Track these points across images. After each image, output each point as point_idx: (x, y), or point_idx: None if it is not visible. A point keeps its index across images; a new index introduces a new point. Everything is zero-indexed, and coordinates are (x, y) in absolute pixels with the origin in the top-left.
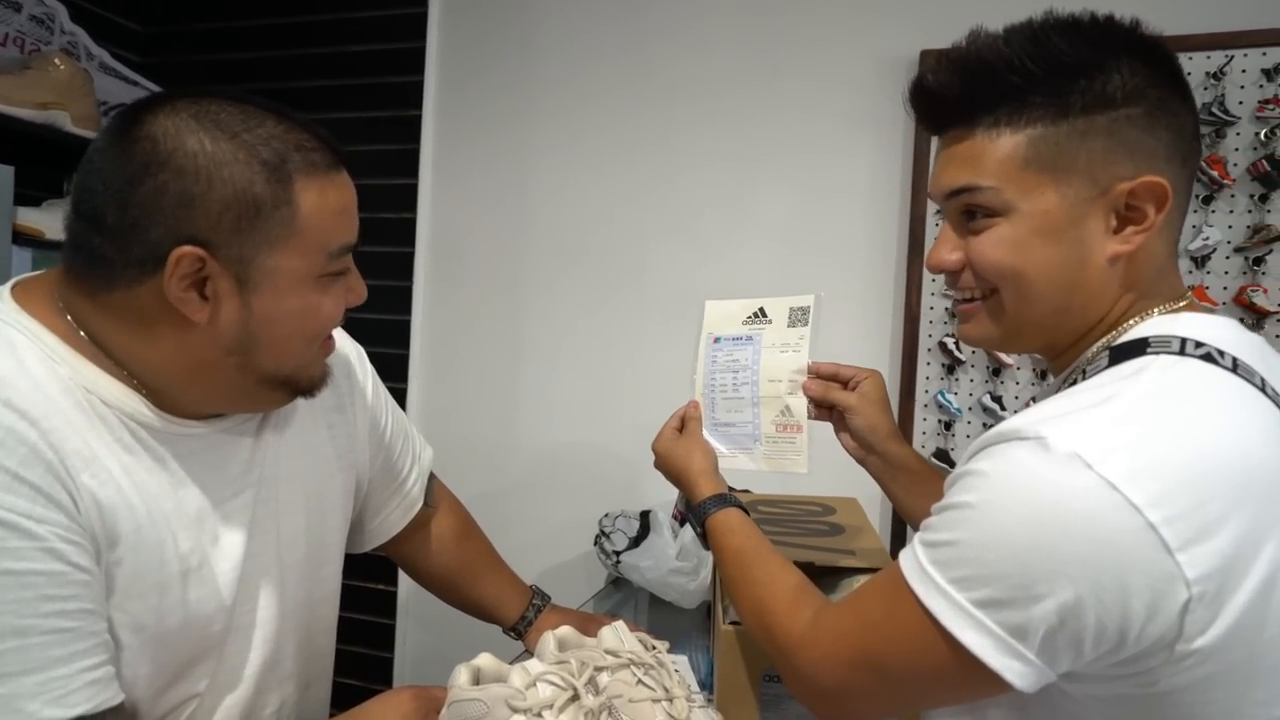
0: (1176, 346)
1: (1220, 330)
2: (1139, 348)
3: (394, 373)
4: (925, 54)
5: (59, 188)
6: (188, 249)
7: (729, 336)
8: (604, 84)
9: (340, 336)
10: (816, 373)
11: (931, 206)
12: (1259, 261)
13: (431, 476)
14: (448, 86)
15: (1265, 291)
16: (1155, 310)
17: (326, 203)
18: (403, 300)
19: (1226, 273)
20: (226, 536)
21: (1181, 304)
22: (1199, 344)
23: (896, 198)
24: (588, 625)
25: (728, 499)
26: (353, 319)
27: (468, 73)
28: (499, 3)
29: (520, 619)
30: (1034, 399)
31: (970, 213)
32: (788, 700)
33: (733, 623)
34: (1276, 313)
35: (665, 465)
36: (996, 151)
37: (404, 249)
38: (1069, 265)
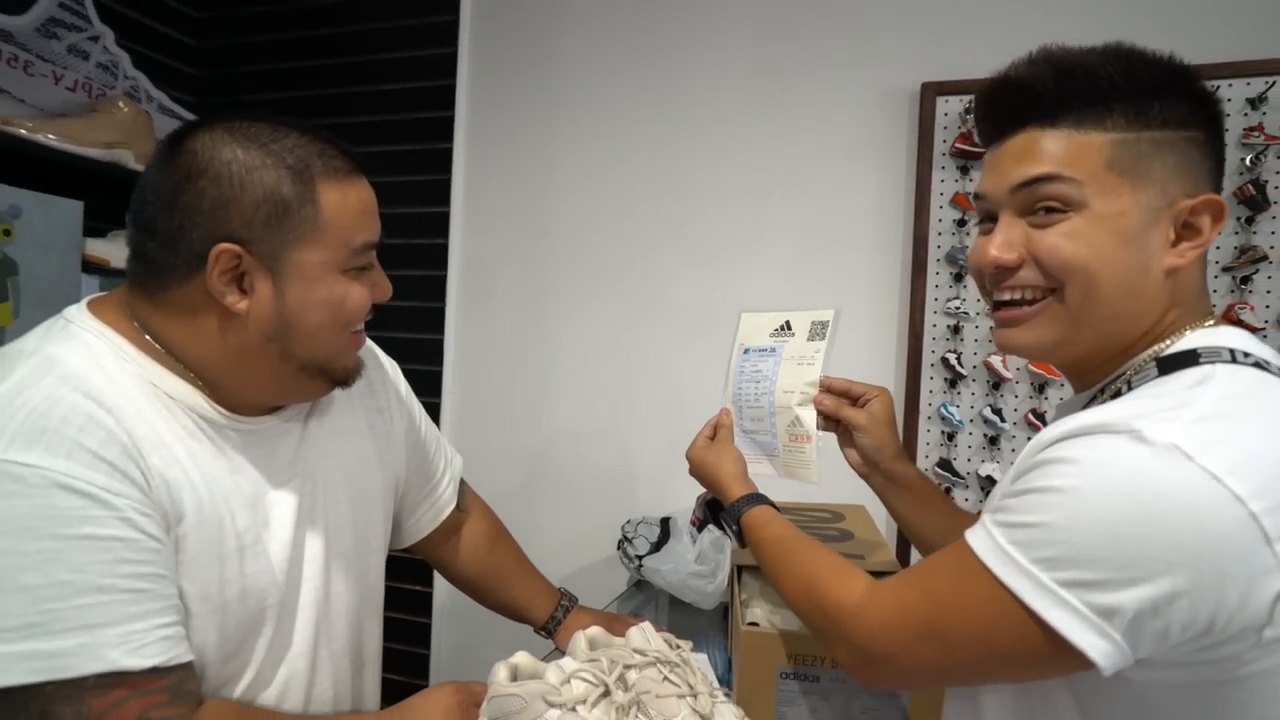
0: (1228, 356)
1: (1255, 344)
2: (1190, 359)
3: (428, 388)
4: (925, 86)
5: (122, 220)
6: (225, 246)
7: (756, 348)
8: (623, 116)
9: (375, 349)
10: (829, 388)
11: (936, 228)
12: (1246, 280)
13: (463, 483)
14: (476, 121)
15: (1252, 309)
16: (1192, 326)
17: (347, 202)
18: (436, 320)
19: (1215, 291)
20: (277, 519)
21: (1213, 320)
22: (1246, 354)
23: (900, 221)
24: (614, 625)
25: (759, 497)
26: (389, 338)
27: (494, 109)
28: (524, 46)
29: (550, 619)
30: (1033, 412)
31: (1037, 209)
32: (803, 696)
33: (750, 624)
34: (1263, 329)
35: (699, 471)
36: (1083, 147)
37: (437, 272)
38: (1133, 271)
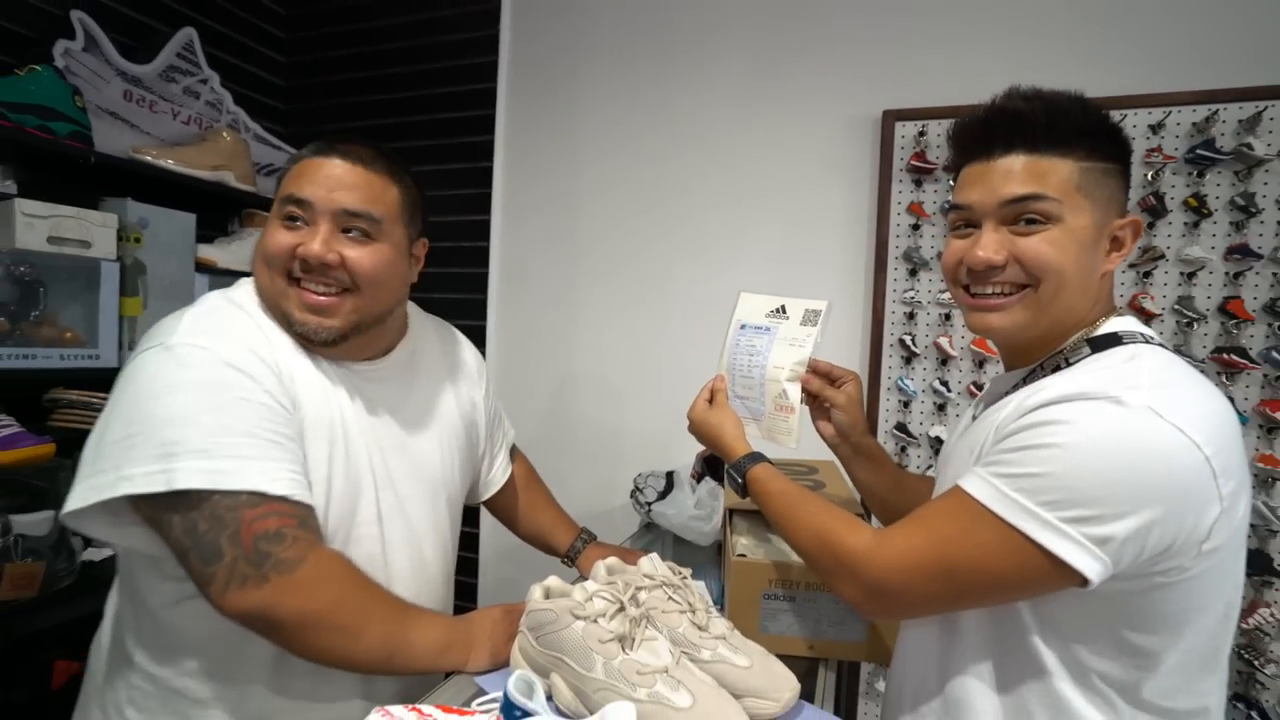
0: (1141, 338)
1: (1145, 327)
2: (1115, 340)
3: None
4: (886, 113)
5: (225, 227)
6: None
7: (753, 325)
8: (636, 138)
9: (460, 336)
10: (815, 370)
11: (895, 232)
12: (1147, 275)
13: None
14: (512, 141)
15: (1151, 298)
16: (1107, 315)
17: (294, 167)
18: (479, 310)
19: (1124, 284)
20: (360, 434)
21: (1119, 311)
22: (1149, 337)
23: (865, 226)
24: (625, 556)
25: (760, 455)
26: None
27: (527, 131)
28: (552, 77)
29: (570, 549)
30: (974, 384)
31: (1021, 219)
32: (782, 612)
33: (740, 555)
34: (1159, 315)
35: (700, 430)
36: (1060, 172)
37: (479, 270)
38: (1086, 273)
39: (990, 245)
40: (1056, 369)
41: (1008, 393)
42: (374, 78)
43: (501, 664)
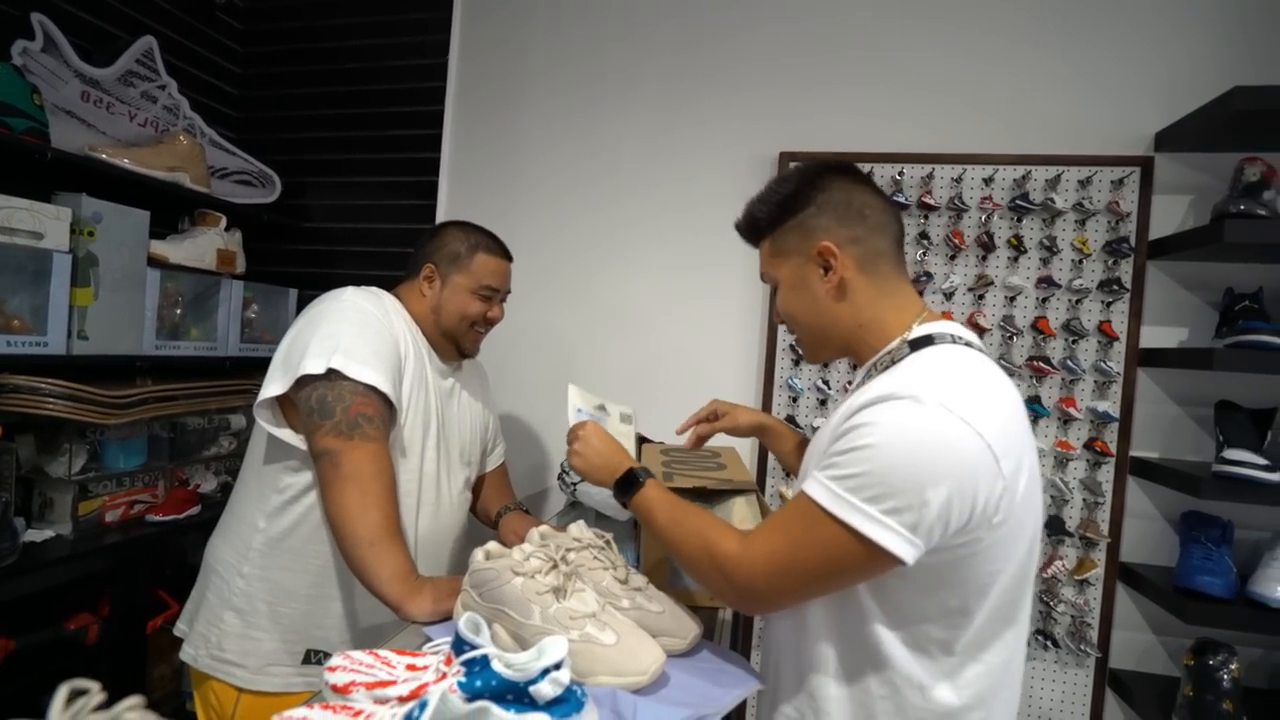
0: (949, 340)
1: (959, 329)
2: (928, 340)
3: None
4: (783, 154)
5: (176, 226)
6: (429, 265)
7: (586, 410)
8: (568, 160)
9: (482, 366)
10: (697, 434)
11: None
12: (981, 297)
13: None
14: (458, 158)
15: (984, 315)
16: (920, 321)
17: (488, 265)
18: None
19: (964, 303)
20: (431, 402)
21: (935, 316)
22: (957, 337)
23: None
24: (536, 523)
25: (647, 471)
26: None
27: (472, 150)
28: (495, 103)
29: (497, 513)
30: (849, 383)
31: (773, 290)
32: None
33: None
34: (990, 329)
35: (591, 467)
36: (762, 253)
37: None
38: (812, 299)
39: (775, 313)
40: (886, 366)
41: (850, 392)
42: (326, 93)
43: (442, 614)
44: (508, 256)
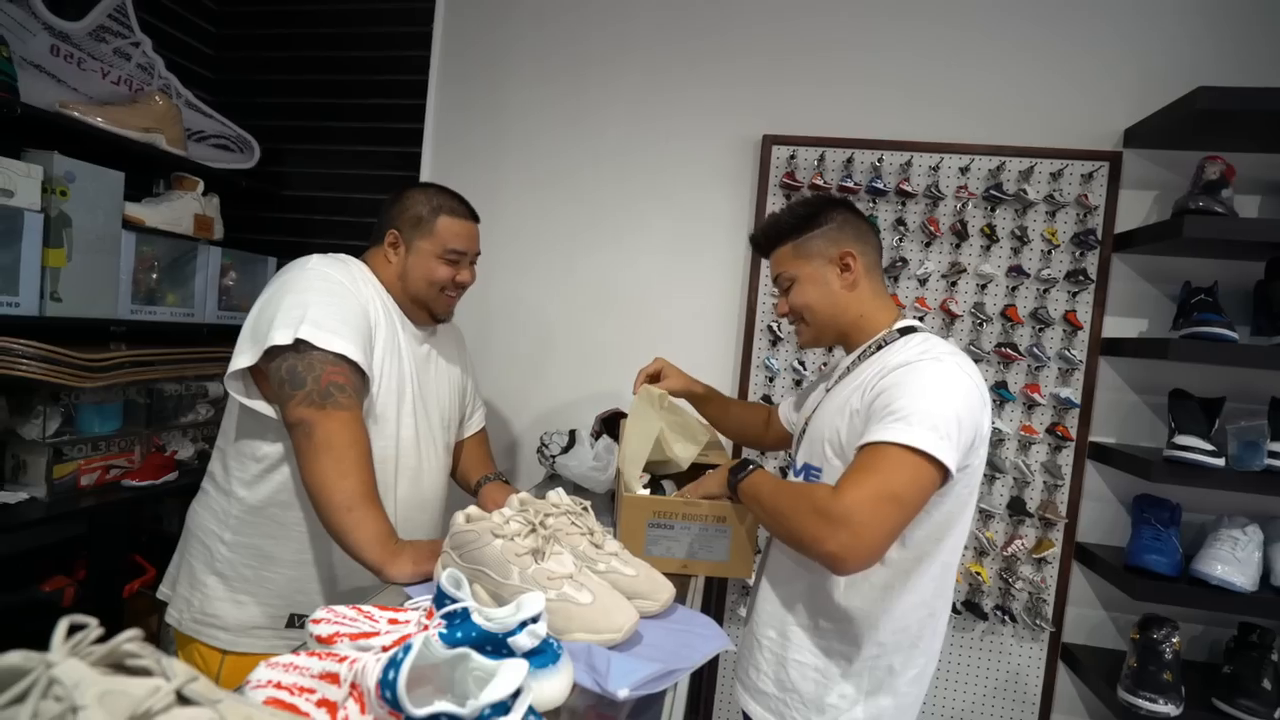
0: (926, 329)
1: (919, 323)
2: (912, 330)
3: None
4: (766, 137)
5: (151, 189)
6: (393, 230)
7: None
8: (552, 132)
9: (458, 327)
10: (639, 383)
11: None
12: (954, 284)
13: None
14: (442, 134)
15: (956, 302)
16: (900, 318)
17: (451, 228)
18: None
19: (937, 290)
20: (405, 365)
21: (903, 312)
22: (927, 330)
23: (744, 228)
24: (515, 493)
25: (756, 462)
26: None
27: (456, 121)
28: (480, 74)
29: (477, 482)
30: (824, 365)
31: (784, 289)
32: (663, 539)
33: (628, 491)
34: (961, 315)
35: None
36: (783, 255)
37: None
38: (828, 294)
39: (779, 305)
40: (880, 348)
41: (850, 368)
42: (308, 58)
43: (423, 575)
44: (473, 217)
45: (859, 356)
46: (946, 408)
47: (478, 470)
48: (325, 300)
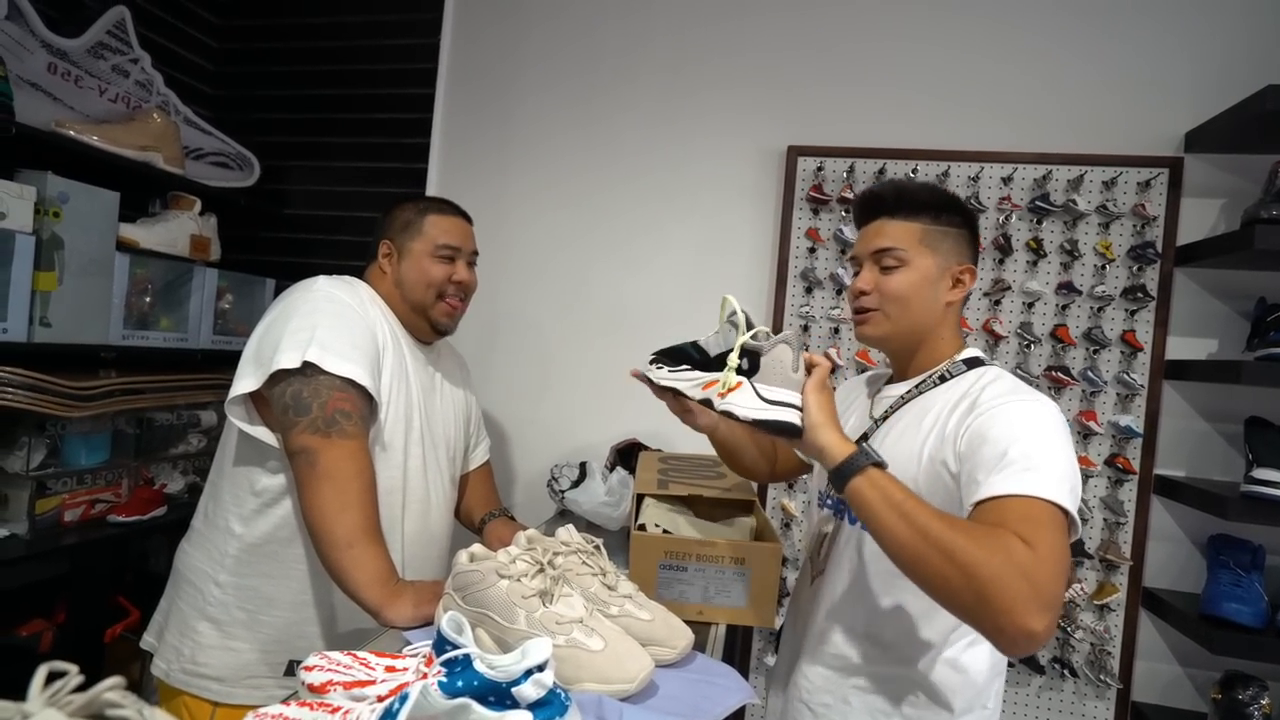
0: (989, 361)
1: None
2: (979, 361)
3: None
4: (790, 148)
5: (147, 209)
6: (385, 240)
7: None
8: (564, 151)
9: (458, 352)
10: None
11: (794, 253)
12: (997, 303)
13: None
14: (449, 149)
15: (1000, 322)
16: (964, 346)
17: (439, 224)
18: None
19: (979, 309)
20: (413, 391)
21: (972, 343)
22: (992, 360)
23: (769, 248)
24: (517, 528)
25: (870, 455)
26: None
27: (463, 139)
28: (489, 89)
29: (482, 519)
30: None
31: (884, 265)
32: (676, 582)
33: (639, 527)
34: (1006, 336)
35: (816, 423)
36: (907, 231)
37: None
38: (929, 300)
39: (862, 280)
40: (943, 379)
41: (905, 398)
42: (309, 72)
43: (423, 619)
44: (463, 215)
45: (916, 387)
46: (1059, 452)
47: (482, 506)
48: (333, 323)
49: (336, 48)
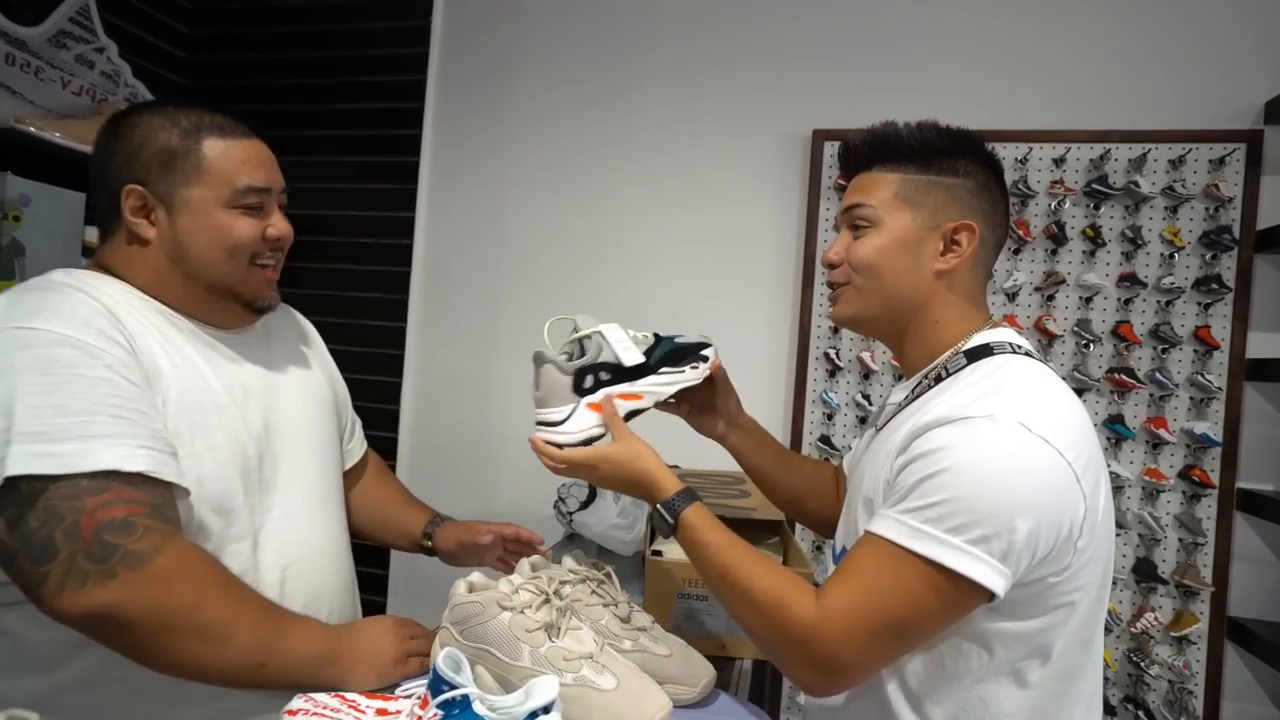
0: (1009, 349)
1: (1019, 338)
2: (986, 350)
3: (391, 369)
4: (816, 132)
5: None
6: (131, 186)
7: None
8: (568, 139)
9: (299, 315)
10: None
11: (822, 247)
12: (1050, 298)
13: None
14: (441, 139)
15: (1055, 320)
16: (979, 328)
17: (230, 152)
18: (400, 310)
19: (1030, 305)
20: (250, 400)
21: (993, 323)
22: (1017, 346)
23: (793, 241)
24: (475, 528)
25: (693, 493)
26: (356, 325)
27: (458, 129)
28: (485, 72)
29: (428, 524)
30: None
31: (854, 227)
32: (696, 614)
33: (654, 553)
34: (1061, 335)
35: (614, 475)
36: (881, 184)
37: (401, 269)
38: (908, 269)
39: (833, 246)
40: (938, 379)
41: (902, 405)
42: (290, 59)
43: (388, 685)
44: (254, 133)
45: (913, 391)
46: (988, 499)
47: (407, 511)
48: (40, 384)
49: (320, 32)
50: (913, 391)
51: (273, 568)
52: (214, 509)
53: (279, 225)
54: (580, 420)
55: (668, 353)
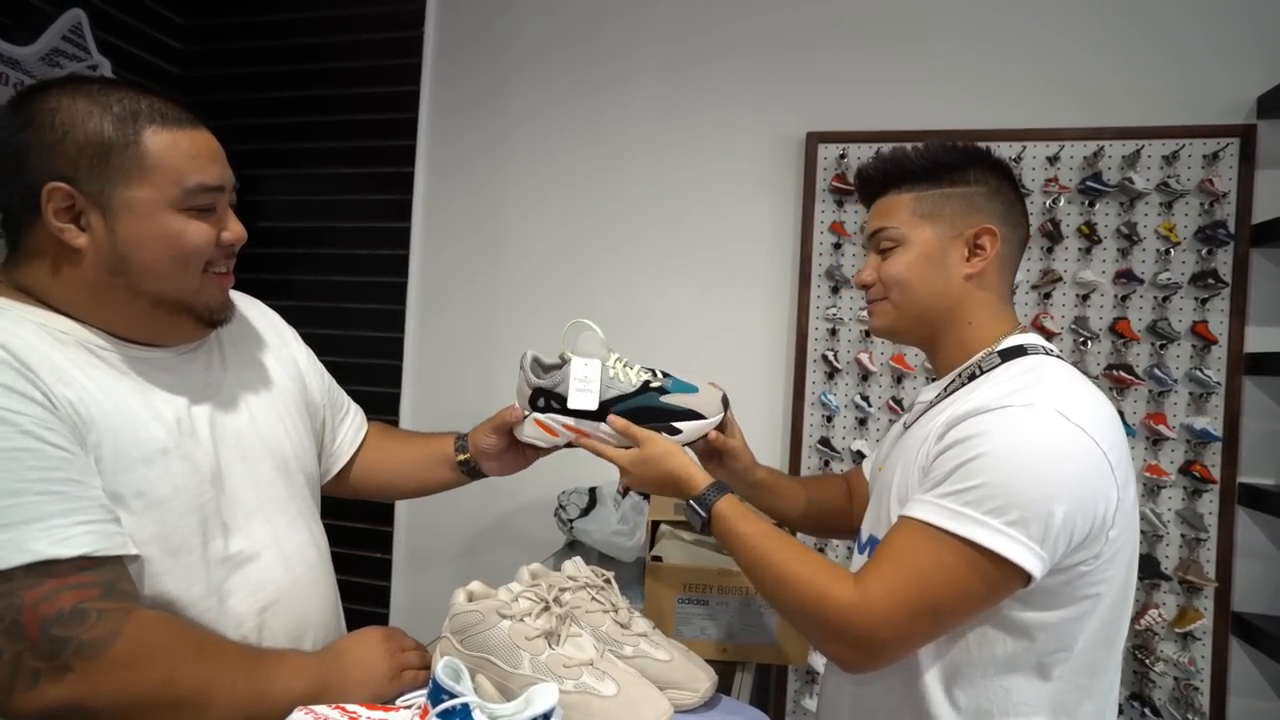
0: (1041, 350)
1: (1045, 342)
2: (1020, 351)
3: (389, 379)
4: (810, 135)
5: None
6: (55, 185)
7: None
8: (564, 150)
9: (255, 300)
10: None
11: (818, 250)
12: (1047, 296)
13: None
14: (436, 149)
15: (1051, 318)
16: (1009, 332)
17: (177, 145)
18: (397, 320)
19: (1027, 303)
20: (199, 433)
21: (1023, 327)
22: (1048, 349)
23: (790, 242)
24: (500, 414)
25: (724, 486)
26: (353, 336)
27: (453, 138)
28: (479, 82)
29: (458, 440)
30: (894, 399)
31: (881, 249)
32: (696, 616)
33: (654, 558)
34: (1059, 333)
35: (647, 470)
36: (898, 205)
37: (398, 279)
38: (937, 277)
39: (864, 270)
40: (973, 377)
41: (933, 403)
42: (283, 72)
43: (388, 694)
44: (197, 119)
45: (945, 389)
46: (1026, 483)
47: (431, 444)
48: None
49: (312, 45)
50: (945, 389)
51: (248, 615)
52: (169, 570)
53: (234, 228)
54: (528, 429)
55: (635, 408)
